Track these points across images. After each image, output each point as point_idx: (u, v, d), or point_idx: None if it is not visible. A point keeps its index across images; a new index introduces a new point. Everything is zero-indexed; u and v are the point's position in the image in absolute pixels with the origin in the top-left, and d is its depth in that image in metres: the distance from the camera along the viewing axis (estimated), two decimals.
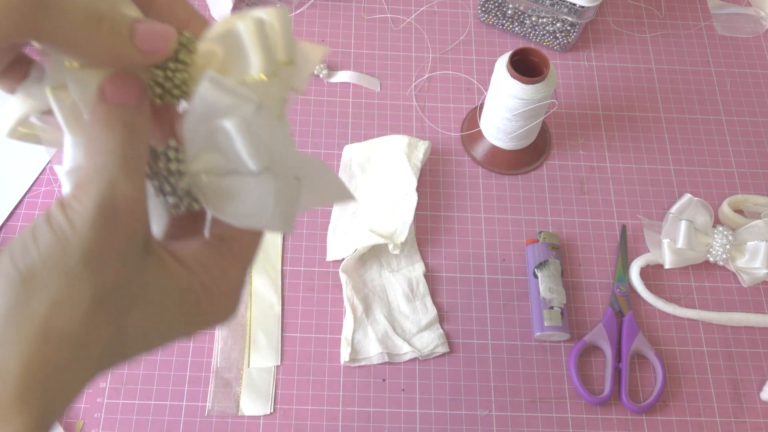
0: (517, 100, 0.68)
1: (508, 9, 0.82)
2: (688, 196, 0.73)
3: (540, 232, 0.70)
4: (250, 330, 0.66)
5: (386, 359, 0.65)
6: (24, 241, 0.25)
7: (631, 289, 0.70)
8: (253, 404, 0.63)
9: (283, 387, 0.64)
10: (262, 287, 0.68)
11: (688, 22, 0.89)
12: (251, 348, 0.65)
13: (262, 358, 0.65)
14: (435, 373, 0.66)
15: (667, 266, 0.70)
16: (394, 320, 0.67)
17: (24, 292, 0.25)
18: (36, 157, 0.73)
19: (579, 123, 0.80)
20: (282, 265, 0.70)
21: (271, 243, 0.70)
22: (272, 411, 0.63)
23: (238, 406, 0.63)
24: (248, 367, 0.64)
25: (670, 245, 0.70)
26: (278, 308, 0.67)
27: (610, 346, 0.66)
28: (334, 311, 0.68)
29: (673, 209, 0.72)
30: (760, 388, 0.67)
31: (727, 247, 0.69)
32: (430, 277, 0.70)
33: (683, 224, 0.70)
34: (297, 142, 0.76)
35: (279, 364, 0.65)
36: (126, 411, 0.62)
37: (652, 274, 0.71)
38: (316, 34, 0.84)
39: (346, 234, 0.71)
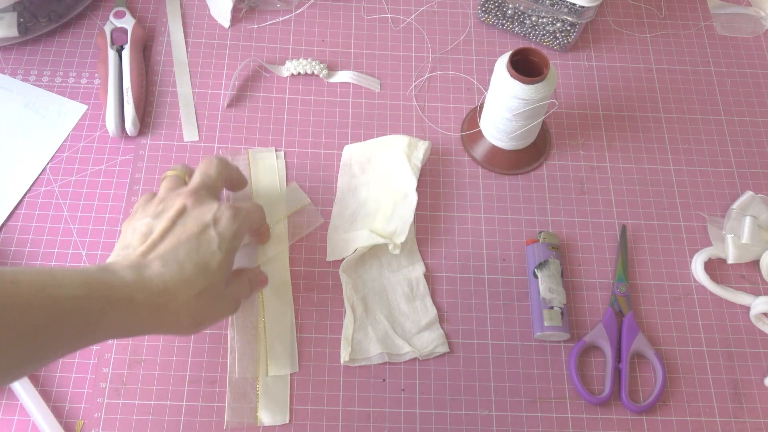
0: (517, 100, 0.68)
1: (508, 9, 0.82)
2: (749, 193, 0.74)
3: (540, 232, 0.70)
4: (265, 338, 0.65)
5: (386, 359, 0.65)
6: None
7: (694, 280, 0.71)
8: (270, 414, 0.62)
9: None
10: (273, 294, 0.68)
11: (688, 22, 0.89)
12: (269, 356, 0.65)
13: (280, 366, 0.64)
14: (435, 373, 0.66)
15: (730, 261, 0.71)
16: (394, 320, 0.67)
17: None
18: (36, 157, 0.73)
19: (579, 123, 0.80)
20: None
21: (279, 249, 0.70)
22: (289, 420, 0.63)
23: (256, 417, 0.62)
24: (266, 375, 0.64)
25: (734, 240, 0.70)
26: (291, 314, 0.67)
27: (610, 346, 0.66)
28: (334, 311, 0.68)
29: (735, 205, 0.73)
30: (760, 388, 0.67)
31: None
32: (430, 277, 0.70)
33: (748, 220, 0.71)
34: (297, 142, 0.76)
35: (296, 370, 0.65)
36: (126, 411, 0.62)
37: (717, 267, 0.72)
38: (316, 34, 0.84)
39: (346, 234, 0.71)
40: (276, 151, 0.75)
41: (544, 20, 0.81)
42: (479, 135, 0.76)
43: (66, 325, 0.46)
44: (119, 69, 0.76)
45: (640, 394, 0.66)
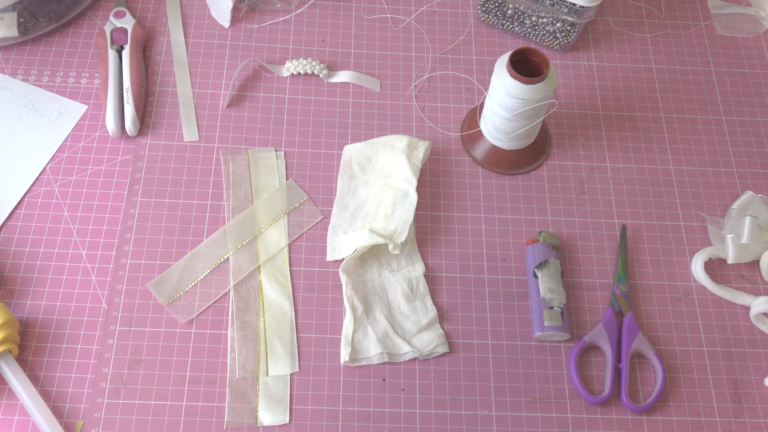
0: (517, 100, 0.68)
1: (508, 9, 0.82)
2: (749, 193, 0.74)
3: (540, 232, 0.70)
4: (265, 338, 0.66)
5: (386, 359, 0.65)
6: None
7: (694, 280, 0.71)
8: (270, 414, 0.62)
9: None
10: (273, 294, 0.68)
11: (688, 22, 0.89)
12: (269, 356, 0.65)
13: (280, 365, 0.65)
14: (435, 373, 0.66)
15: (730, 261, 0.71)
16: (394, 320, 0.67)
17: None
18: (36, 157, 0.73)
19: (579, 123, 0.80)
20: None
21: (278, 249, 0.70)
22: (290, 420, 0.63)
23: (256, 417, 0.62)
24: (266, 375, 0.64)
25: (734, 240, 0.70)
26: (291, 314, 0.67)
27: (610, 346, 0.66)
28: (334, 311, 0.68)
29: (735, 205, 0.73)
30: (760, 388, 0.67)
31: None
32: (430, 277, 0.70)
33: (747, 220, 0.71)
34: (297, 142, 0.76)
35: (297, 370, 0.65)
36: (126, 411, 0.62)
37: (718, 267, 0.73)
38: (316, 34, 0.84)
39: (346, 234, 0.71)
40: (276, 151, 0.75)
41: (544, 20, 0.81)
42: (479, 135, 0.76)
43: None
44: (119, 69, 0.76)
45: (640, 394, 0.66)
